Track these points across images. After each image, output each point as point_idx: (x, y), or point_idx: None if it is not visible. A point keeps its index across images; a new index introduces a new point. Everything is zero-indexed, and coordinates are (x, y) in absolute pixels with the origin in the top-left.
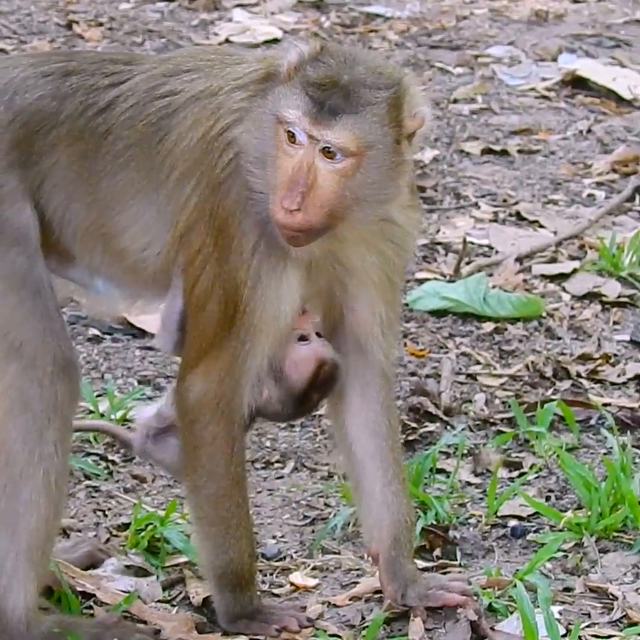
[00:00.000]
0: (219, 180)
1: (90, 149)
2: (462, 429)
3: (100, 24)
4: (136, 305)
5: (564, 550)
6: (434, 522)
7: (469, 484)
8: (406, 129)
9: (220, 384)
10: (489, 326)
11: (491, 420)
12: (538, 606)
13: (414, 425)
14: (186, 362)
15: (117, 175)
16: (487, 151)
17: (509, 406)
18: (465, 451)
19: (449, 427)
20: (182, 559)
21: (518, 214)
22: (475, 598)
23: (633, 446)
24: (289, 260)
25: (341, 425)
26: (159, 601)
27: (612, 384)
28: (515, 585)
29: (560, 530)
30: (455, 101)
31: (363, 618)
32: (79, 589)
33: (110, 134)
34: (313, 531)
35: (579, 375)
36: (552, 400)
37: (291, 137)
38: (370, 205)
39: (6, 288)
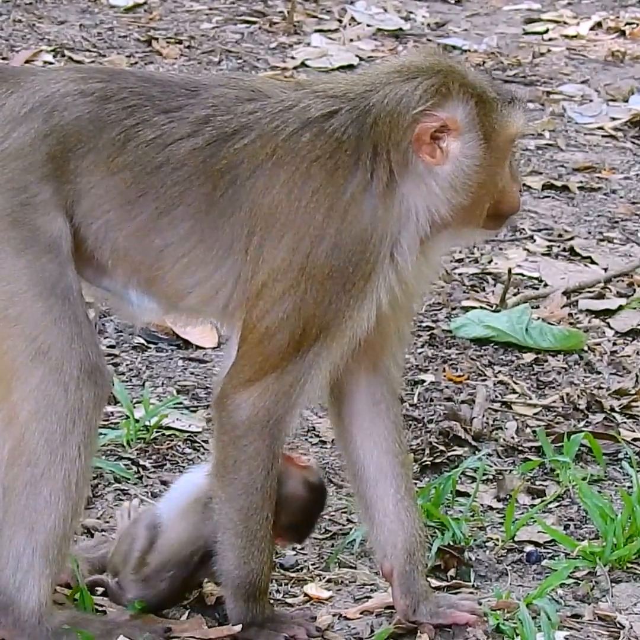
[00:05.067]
0: (320, 237)
1: (135, 188)
2: (490, 455)
3: (180, 42)
4: (168, 316)
5: (577, 578)
6: (451, 543)
7: (490, 508)
8: None
9: (275, 404)
10: (529, 357)
11: (520, 448)
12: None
13: (442, 448)
14: (239, 378)
15: (173, 223)
16: (548, 186)
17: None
18: (490, 477)
19: (476, 452)
20: None
21: (572, 249)
22: (484, 619)
23: None
24: (383, 289)
25: (352, 443)
26: None
27: None
28: None
29: (575, 558)
30: (522, 135)
31: (372, 631)
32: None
33: (163, 187)
34: (332, 545)
35: (612, 409)
36: (581, 431)
37: (514, 140)
38: None
39: (36, 294)
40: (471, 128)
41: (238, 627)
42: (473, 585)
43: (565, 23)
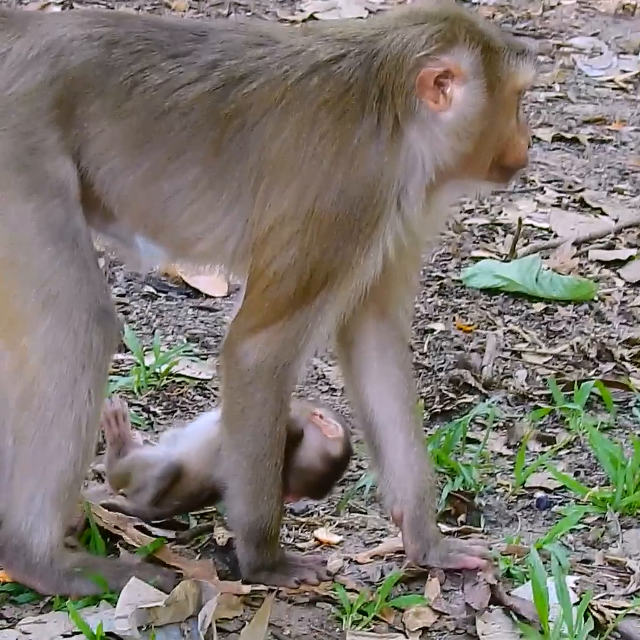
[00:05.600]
0: (327, 182)
1: (142, 134)
2: (500, 403)
3: None
4: (176, 263)
5: (587, 524)
6: (461, 489)
7: (501, 455)
8: None
9: (283, 351)
10: (539, 306)
11: (530, 396)
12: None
13: (452, 395)
14: (247, 325)
15: (181, 169)
16: (559, 138)
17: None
18: (500, 424)
19: (486, 400)
20: (211, 508)
21: (582, 200)
22: (494, 563)
23: None
24: (390, 237)
25: (361, 389)
26: (184, 546)
27: None
28: None
29: (585, 504)
30: (532, 88)
31: (382, 576)
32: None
33: (171, 132)
34: (343, 491)
35: (622, 358)
36: (592, 380)
37: (521, 92)
38: None
39: (44, 239)
40: (476, 75)
41: (248, 588)
42: (483, 531)
43: None
